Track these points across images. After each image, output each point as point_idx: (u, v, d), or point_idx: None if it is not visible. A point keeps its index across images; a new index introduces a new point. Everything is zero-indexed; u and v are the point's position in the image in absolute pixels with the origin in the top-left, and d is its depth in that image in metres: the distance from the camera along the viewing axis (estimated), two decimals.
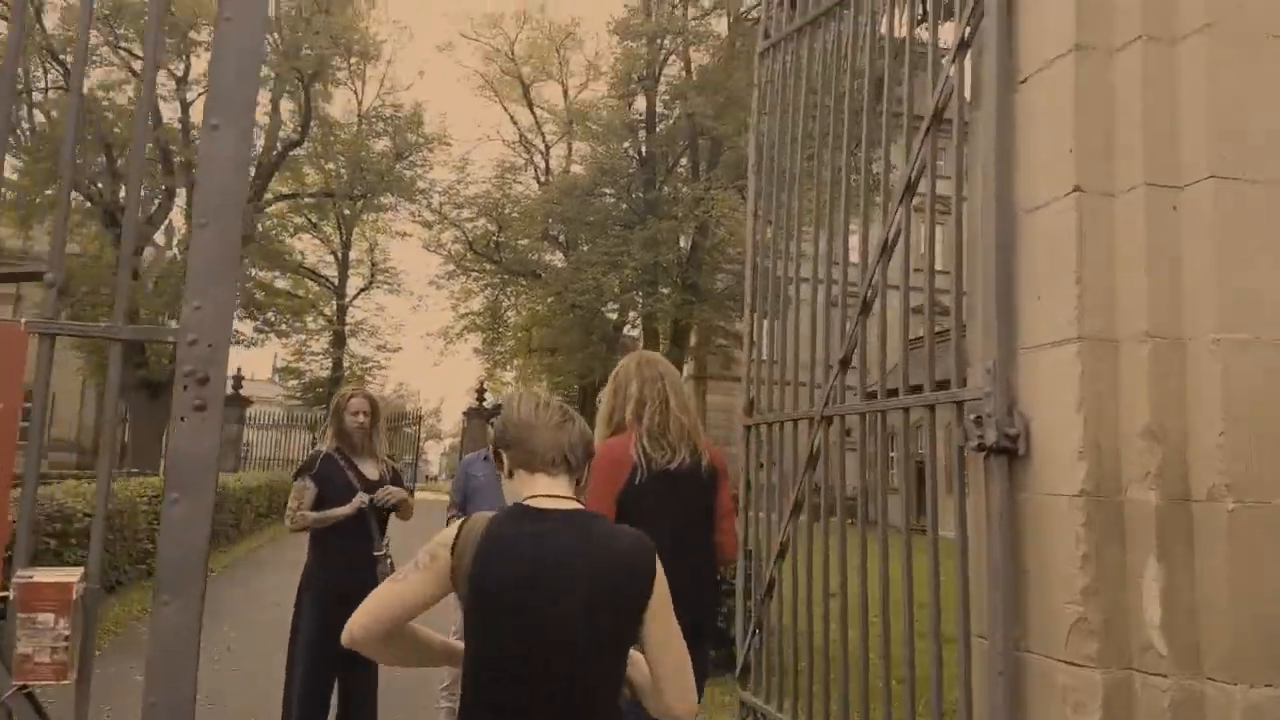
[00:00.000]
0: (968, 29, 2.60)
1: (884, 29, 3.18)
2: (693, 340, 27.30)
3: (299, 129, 27.05)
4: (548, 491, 1.85)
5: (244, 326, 28.80)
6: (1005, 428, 2.27)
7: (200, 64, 26.28)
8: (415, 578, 1.78)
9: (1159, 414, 2.08)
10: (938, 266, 3.11)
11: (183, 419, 1.73)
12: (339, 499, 4.23)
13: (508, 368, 33.19)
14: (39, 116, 24.16)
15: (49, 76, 24.30)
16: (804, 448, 3.34)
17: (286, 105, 27.26)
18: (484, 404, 26.38)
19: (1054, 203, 2.25)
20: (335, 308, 31.31)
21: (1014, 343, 2.30)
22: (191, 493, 1.81)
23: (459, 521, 1.83)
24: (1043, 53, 2.36)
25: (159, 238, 27.31)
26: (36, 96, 24.37)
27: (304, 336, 30.81)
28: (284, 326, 29.23)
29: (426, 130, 29.54)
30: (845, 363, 3.13)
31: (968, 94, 2.64)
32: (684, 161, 27.15)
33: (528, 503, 1.84)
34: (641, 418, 3.06)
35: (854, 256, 3.19)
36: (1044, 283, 2.26)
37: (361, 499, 4.23)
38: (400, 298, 33.07)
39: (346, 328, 31.25)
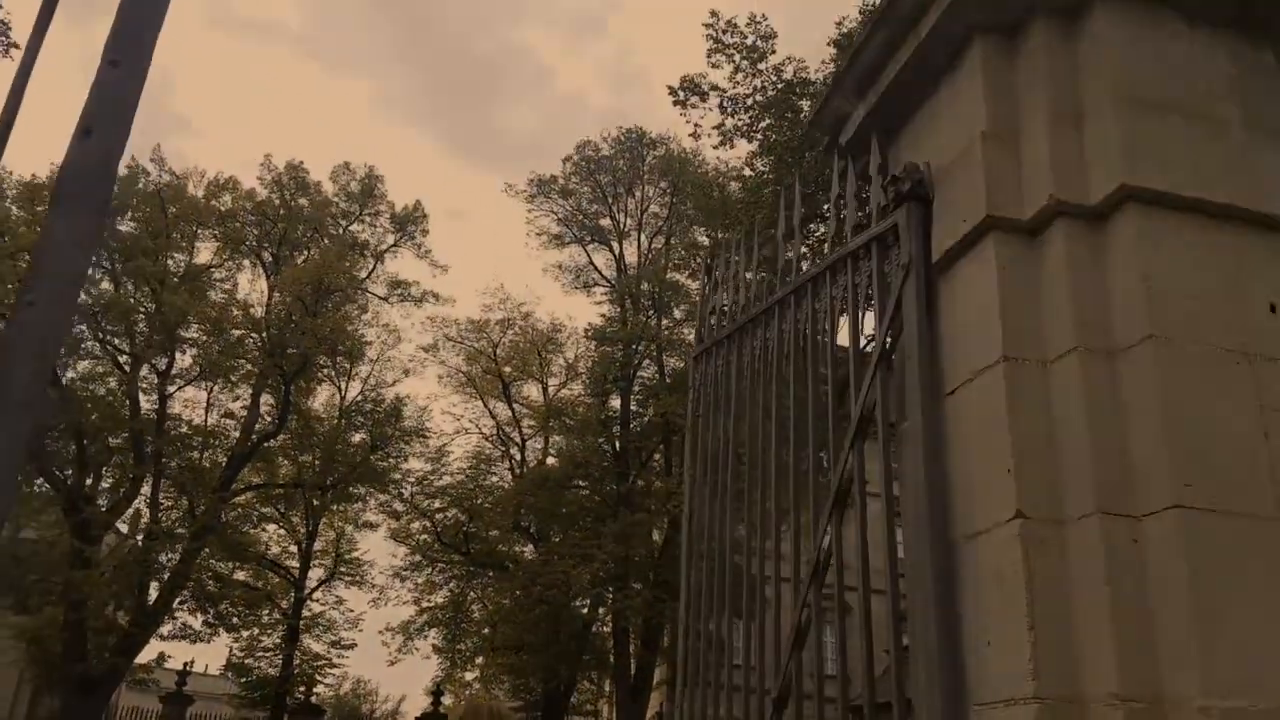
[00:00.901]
0: (888, 338, 2.48)
1: (807, 334, 3.09)
2: (664, 641, 25.79)
3: (276, 420, 27.36)
4: None
5: (193, 620, 27.27)
6: None
7: (184, 360, 27.14)
8: None
9: None
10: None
11: None
12: None
13: (468, 667, 31.11)
14: None
15: None
16: None
17: (267, 400, 27.84)
18: (439, 709, 24.28)
19: (995, 530, 1.97)
20: (293, 600, 29.81)
21: (962, 699, 1.90)
22: None
23: None
24: (970, 363, 2.21)
25: (122, 526, 26.53)
26: None
27: (255, 631, 29.03)
28: (235, 620, 27.64)
29: (406, 424, 30.03)
30: (781, 703, 2.66)
31: (893, 406, 2.46)
32: (657, 457, 27.41)
33: None
34: None
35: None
36: (994, 625, 1.91)
37: None
38: (361, 590, 31.55)
39: (302, 621, 29.54)
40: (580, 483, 26.74)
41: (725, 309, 3.79)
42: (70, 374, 25.51)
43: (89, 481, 25.19)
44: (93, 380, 25.86)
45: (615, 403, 28.07)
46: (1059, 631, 1.80)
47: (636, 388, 27.71)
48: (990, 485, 2.02)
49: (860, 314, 2.73)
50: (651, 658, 24.45)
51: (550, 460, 28.84)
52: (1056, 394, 2.04)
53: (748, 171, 19.16)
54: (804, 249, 3.41)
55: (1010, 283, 2.18)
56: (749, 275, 3.68)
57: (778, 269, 3.33)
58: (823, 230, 3.14)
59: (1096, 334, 2.05)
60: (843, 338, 3.01)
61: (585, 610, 26.87)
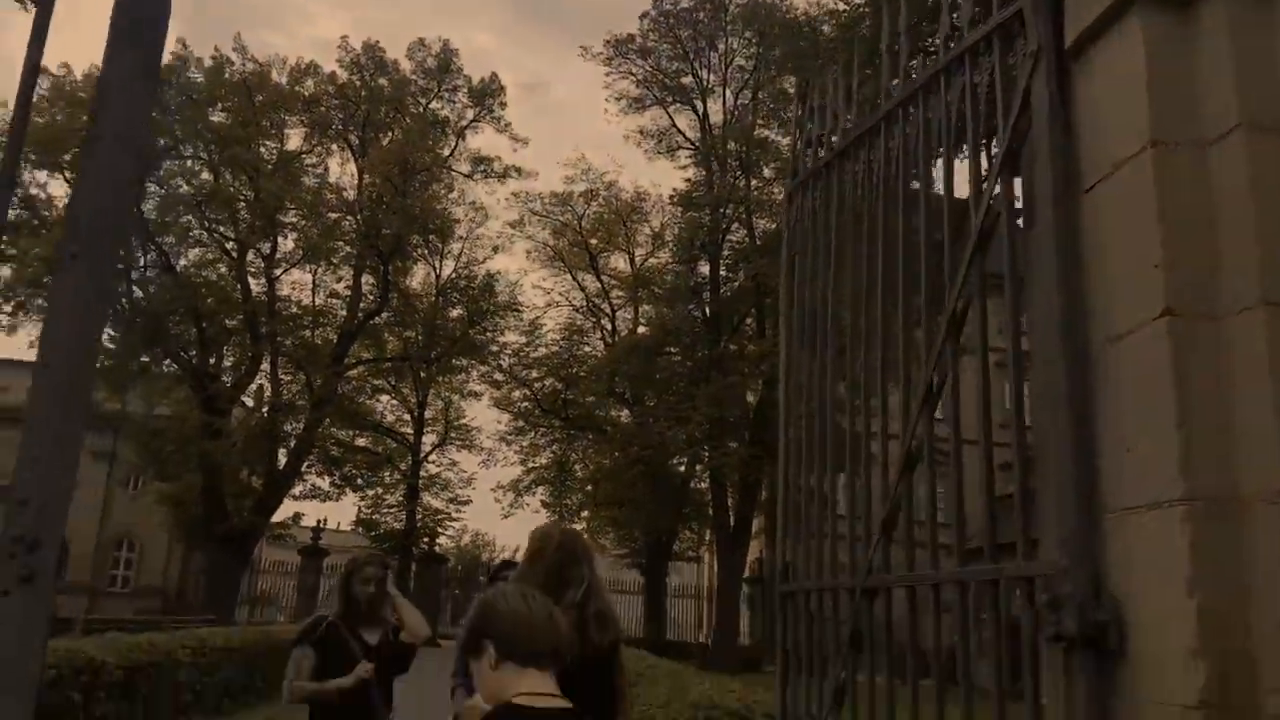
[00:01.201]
0: (1013, 139, 2.26)
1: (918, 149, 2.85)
2: (763, 495, 26.37)
3: (378, 299, 28.29)
4: (540, 689, 1.75)
5: (321, 482, 29.46)
6: (1090, 613, 1.74)
7: (286, 244, 28.00)
8: None
9: None
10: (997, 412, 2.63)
11: (5, 593, 1.34)
12: (341, 669, 3.95)
13: (575, 520, 32.82)
14: (137, 292, 25.74)
15: (147, 256, 26.07)
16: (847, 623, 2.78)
17: (368, 280, 28.75)
18: None
19: (1140, 330, 1.80)
20: (410, 463, 31.84)
21: (1097, 506, 1.80)
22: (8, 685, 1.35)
23: None
24: (1111, 154, 1.98)
25: (248, 400, 28.31)
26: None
27: (379, 490, 31.40)
28: (359, 481, 29.85)
29: (499, 299, 30.67)
30: (889, 526, 2.62)
31: (1021, 214, 2.27)
32: (749, 321, 27.24)
33: (521, 700, 1.73)
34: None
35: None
36: (1133, 429, 1.79)
37: (364, 669, 3.94)
38: (471, 453, 33.29)
39: (420, 481, 31.61)
40: (671, 349, 26.95)
41: (821, 137, 3.54)
42: (182, 262, 26.75)
43: (212, 361, 26.79)
44: (204, 267, 27.04)
45: (704, 269, 27.78)
46: (1213, 431, 1.67)
47: (726, 252, 27.29)
48: (1135, 284, 1.84)
49: (979, 118, 2.49)
50: (749, 509, 25.18)
51: (641, 329, 29.08)
52: (1216, 179, 1.81)
53: (842, 5, 17.95)
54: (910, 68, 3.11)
55: (1160, 60, 1.92)
56: (848, 102, 3.41)
57: (881, 86, 3.07)
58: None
59: (1266, 109, 1.80)
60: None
61: (683, 467, 27.62)
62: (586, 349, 29.71)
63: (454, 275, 31.18)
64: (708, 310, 27.11)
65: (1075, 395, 1.86)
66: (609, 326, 30.38)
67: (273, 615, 29.52)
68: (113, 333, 24.81)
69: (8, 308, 24.56)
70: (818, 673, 2.95)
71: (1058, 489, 1.85)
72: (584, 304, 30.62)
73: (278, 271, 27.71)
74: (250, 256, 27.15)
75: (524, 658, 1.78)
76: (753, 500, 25.22)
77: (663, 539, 28.88)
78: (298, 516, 31.66)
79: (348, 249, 28.06)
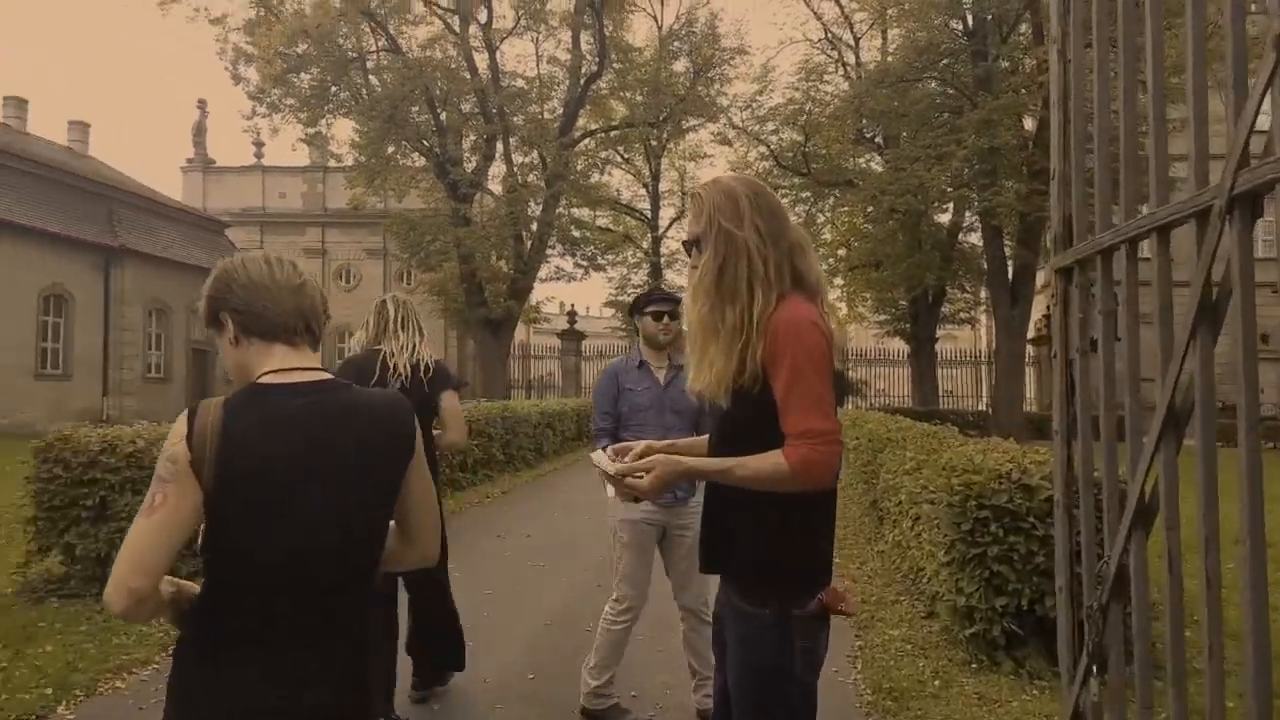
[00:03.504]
0: None
1: None
2: (1046, 239, 22.80)
3: (597, 61, 26.61)
4: (292, 364, 1.59)
5: (565, 264, 29.74)
6: None
7: (501, 7, 26.68)
8: (169, 499, 1.44)
9: None
10: None
11: None
12: None
13: (829, 286, 31.07)
14: (374, 81, 25.94)
15: (379, 43, 25.96)
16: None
17: (586, 40, 26.93)
18: None
19: None
20: (650, 240, 31.34)
21: None
22: None
23: (186, 411, 1.50)
24: None
25: (495, 187, 28.57)
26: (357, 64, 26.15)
27: (624, 270, 31.40)
28: (601, 261, 29.82)
29: (724, 44, 27.85)
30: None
31: None
32: (1023, 28, 22.53)
33: (269, 379, 1.57)
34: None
35: None
36: None
37: None
38: None
39: (662, 258, 31.14)
40: (928, 74, 23.11)
41: None
42: (409, 46, 26.43)
43: (450, 147, 26.94)
44: (430, 45, 26.57)
45: None
46: None
47: None
48: None
49: None
50: (1031, 257, 21.75)
51: (889, 57, 25.23)
52: None
53: None
54: None
55: None
56: None
57: None
58: None
59: None
60: None
61: (948, 215, 24.59)
62: (827, 89, 26.38)
63: (675, 24, 28.62)
64: (969, 20, 22.76)
65: None
66: (851, 59, 26.75)
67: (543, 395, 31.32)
68: (358, 126, 25.48)
69: (261, 109, 25.61)
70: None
71: None
72: (821, 36, 27.05)
73: (498, 42, 26.73)
74: (473, 30, 26.26)
75: (268, 331, 1.60)
76: (1035, 245, 21.70)
77: (930, 297, 26.43)
78: (546, 301, 32.61)
79: (565, 5, 26.34)
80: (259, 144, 38.22)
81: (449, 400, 3.95)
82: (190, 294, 27.56)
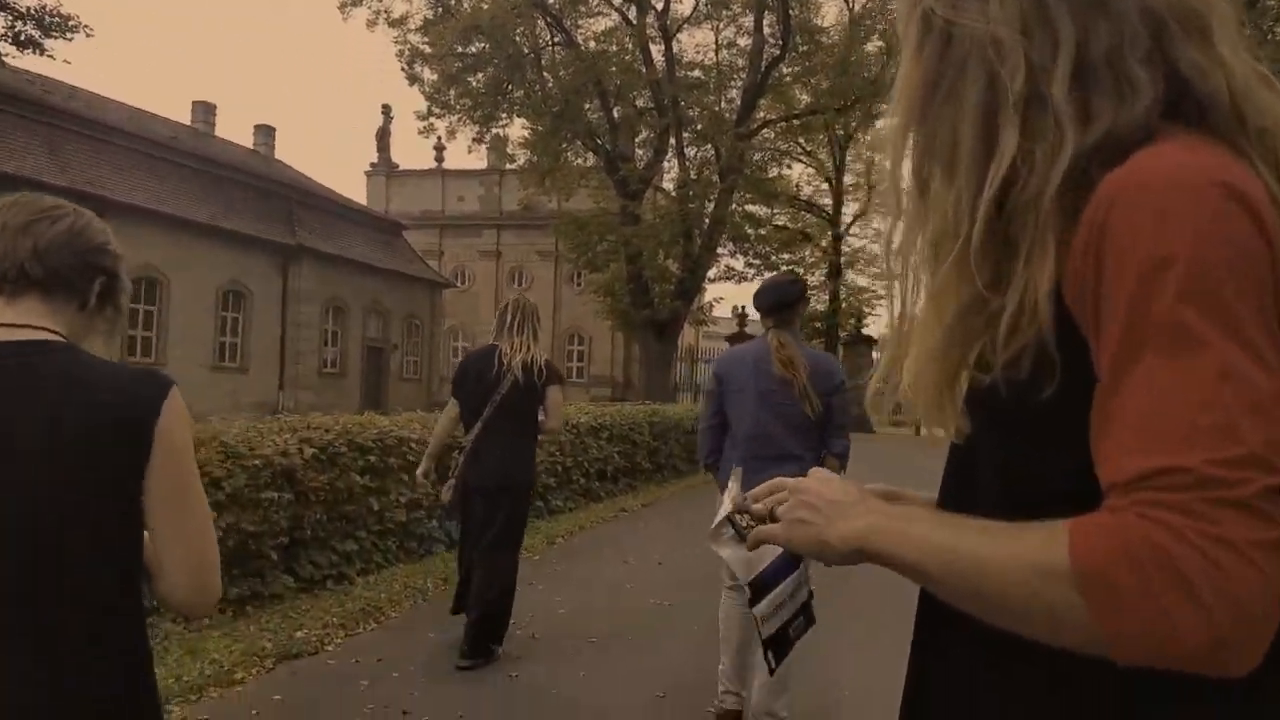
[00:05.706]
0: None
1: None
2: None
3: (779, 44, 24.57)
4: None
5: (735, 263, 27.88)
6: None
7: None
8: None
9: None
10: None
11: None
12: None
13: None
14: (548, 78, 25.17)
15: (554, 38, 25.19)
16: None
17: (769, 21, 24.95)
18: None
19: None
20: (830, 238, 28.90)
21: None
22: None
23: None
24: None
25: (668, 185, 27.27)
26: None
27: (800, 270, 29.08)
28: (775, 260, 27.77)
29: None
30: None
31: None
32: None
33: None
34: None
35: None
36: None
37: None
38: None
39: (842, 258, 28.63)
40: None
41: None
42: (584, 39, 25.51)
43: (622, 143, 25.76)
44: (605, 37, 25.55)
45: None
46: None
47: None
48: None
49: None
50: None
51: None
52: None
53: None
54: None
55: None
56: None
57: None
58: None
59: None
60: None
61: None
62: None
63: (869, 1, 26.02)
64: None
65: None
66: None
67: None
68: (532, 125, 24.80)
69: (436, 109, 25.42)
70: None
71: None
72: None
73: (675, 31, 25.30)
74: (649, 20, 24.98)
75: None
76: None
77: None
78: (714, 302, 30.86)
79: None
80: (439, 148, 38.96)
81: (553, 394, 4.52)
82: (367, 293, 27.93)
